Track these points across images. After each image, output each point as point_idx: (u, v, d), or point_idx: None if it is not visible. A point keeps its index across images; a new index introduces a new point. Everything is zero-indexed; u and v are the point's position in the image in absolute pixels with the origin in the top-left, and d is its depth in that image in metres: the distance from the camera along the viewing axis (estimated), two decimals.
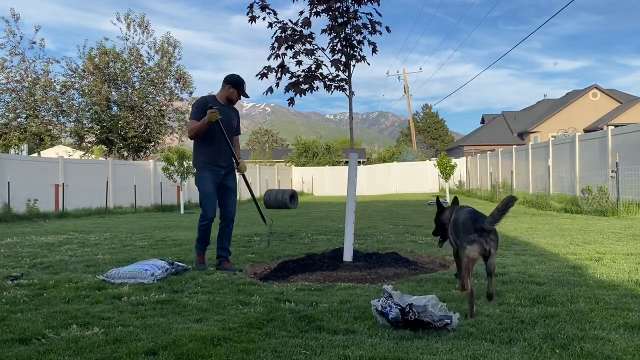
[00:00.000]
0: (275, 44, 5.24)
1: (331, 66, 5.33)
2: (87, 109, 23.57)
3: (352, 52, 5.31)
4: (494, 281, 3.27)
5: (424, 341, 2.58)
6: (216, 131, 4.85)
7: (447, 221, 3.71)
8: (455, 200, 3.90)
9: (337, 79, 5.44)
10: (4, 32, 22.82)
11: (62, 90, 23.29)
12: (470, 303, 3.05)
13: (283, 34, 5.24)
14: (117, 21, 23.86)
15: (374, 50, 5.38)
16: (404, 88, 45.28)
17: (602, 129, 23.77)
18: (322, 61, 5.36)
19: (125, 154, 24.86)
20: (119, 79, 23.81)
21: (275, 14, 5.26)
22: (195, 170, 5.09)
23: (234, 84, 5.06)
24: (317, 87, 5.45)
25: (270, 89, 5.43)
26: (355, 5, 5.27)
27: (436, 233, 3.97)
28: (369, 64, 5.53)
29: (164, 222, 11.78)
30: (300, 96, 5.41)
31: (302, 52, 5.26)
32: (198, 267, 4.95)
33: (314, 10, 5.26)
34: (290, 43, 5.24)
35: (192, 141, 5.11)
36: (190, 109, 5.03)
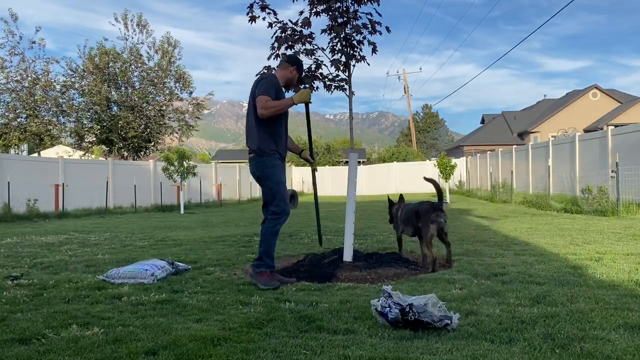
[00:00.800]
0: (275, 44, 5.25)
1: (331, 66, 5.34)
2: (87, 109, 23.60)
3: (352, 52, 5.32)
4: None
5: (424, 341, 2.58)
6: (284, 117, 4.26)
7: (396, 212, 5.09)
8: (401, 197, 5.23)
9: (337, 79, 5.45)
10: (3, 32, 22.87)
11: (62, 90, 23.31)
12: (434, 264, 4.41)
13: (283, 34, 5.24)
14: (115, 22, 23.91)
15: (374, 50, 5.39)
16: (404, 88, 45.33)
17: (602, 129, 23.77)
18: (322, 61, 5.37)
19: (125, 154, 24.87)
20: (119, 78, 23.82)
21: (275, 14, 5.27)
22: (262, 158, 4.18)
23: (299, 66, 4.37)
24: (317, 87, 5.46)
25: None
26: (355, 5, 5.28)
27: (391, 221, 5.25)
28: (368, 64, 5.54)
29: (164, 222, 11.78)
30: None
31: (302, 52, 5.27)
32: (269, 285, 3.93)
33: (314, 10, 5.27)
34: (290, 43, 5.25)
35: (255, 122, 4.16)
36: (264, 84, 4.10)
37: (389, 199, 5.37)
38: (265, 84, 4.12)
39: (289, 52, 5.28)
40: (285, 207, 4.20)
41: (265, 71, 5.29)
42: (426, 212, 4.53)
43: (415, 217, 4.65)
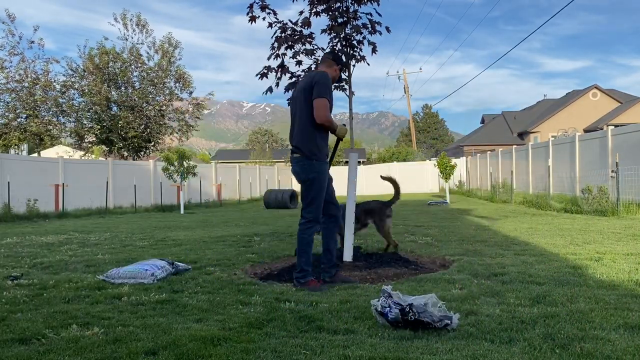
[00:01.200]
0: (275, 44, 5.25)
1: None
2: (87, 109, 23.60)
3: (352, 52, 5.32)
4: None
5: (424, 341, 2.58)
6: None
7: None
8: None
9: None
10: (3, 33, 22.89)
11: (62, 90, 23.31)
12: (396, 247, 5.55)
13: (283, 34, 5.24)
14: (114, 22, 23.90)
15: (374, 50, 5.39)
16: (404, 88, 45.30)
17: (602, 129, 23.77)
18: None
19: (125, 154, 24.87)
20: (119, 78, 23.82)
21: (275, 14, 5.27)
22: (312, 162, 4.06)
23: (342, 66, 4.39)
24: None
25: (270, 89, 5.44)
26: (355, 5, 5.28)
27: None
28: (368, 64, 5.54)
29: (164, 222, 11.78)
30: None
31: (302, 52, 5.27)
32: (315, 290, 3.83)
33: (314, 10, 5.27)
34: (290, 43, 5.25)
35: (310, 123, 4.02)
36: (323, 85, 3.98)
37: None
38: (325, 86, 3.98)
39: (289, 52, 5.28)
40: (319, 215, 4.11)
41: (265, 71, 5.29)
42: (380, 209, 5.47)
43: (369, 214, 5.49)
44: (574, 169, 14.15)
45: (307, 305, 3.34)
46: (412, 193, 29.01)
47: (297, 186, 33.56)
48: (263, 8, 5.24)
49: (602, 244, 5.86)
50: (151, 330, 2.84)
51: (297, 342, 2.59)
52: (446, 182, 19.13)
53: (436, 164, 19.63)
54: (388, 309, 2.82)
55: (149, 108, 24.58)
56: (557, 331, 2.63)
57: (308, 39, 5.30)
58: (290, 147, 4.26)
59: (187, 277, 4.44)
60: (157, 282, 4.24)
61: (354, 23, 5.27)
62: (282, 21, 5.30)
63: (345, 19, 5.25)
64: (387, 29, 5.41)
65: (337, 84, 5.45)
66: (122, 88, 24.20)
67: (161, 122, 25.19)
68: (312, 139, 4.03)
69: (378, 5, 5.32)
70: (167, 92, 25.13)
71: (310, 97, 3.97)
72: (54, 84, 23.16)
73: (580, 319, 2.83)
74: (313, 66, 5.37)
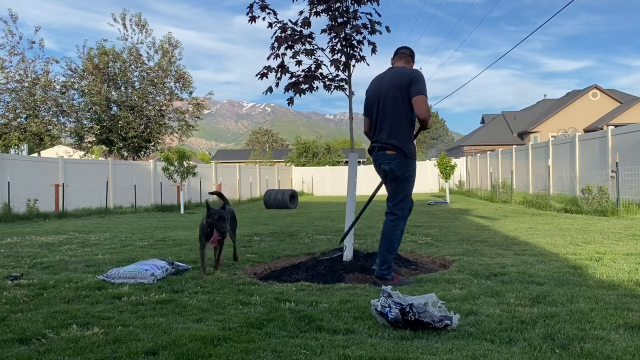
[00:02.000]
0: (275, 44, 5.25)
1: (331, 66, 5.33)
2: (87, 109, 23.58)
3: (352, 52, 5.31)
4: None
5: (424, 341, 2.58)
6: None
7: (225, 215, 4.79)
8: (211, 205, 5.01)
9: (337, 79, 5.44)
10: (3, 33, 22.86)
11: (62, 90, 23.30)
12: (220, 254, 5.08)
13: (283, 34, 5.24)
14: (114, 22, 23.87)
15: (374, 50, 5.39)
16: None
17: (602, 129, 23.76)
18: (322, 61, 5.37)
19: (125, 154, 24.85)
20: (119, 78, 23.81)
21: (275, 14, 5.26)
22: (407, 160, 4.06)
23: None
24: (317, 87, 5.46)
25: (270, 89, 5.44)
26: (355, 5, 5.28)
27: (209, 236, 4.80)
28: (368, 64, 5.54)
29: (164, 222, 11.78)
30: (300, 96, 5.41)
31: (302, 52, 5.27)
32: (403, 283, 3.93)
33: (314, 10, 5.27)
34: (290, 43, 5.24)
35: (406, 119, 4.03)
36: (422, 83, 3.97)
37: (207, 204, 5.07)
38: (424, 83, 3.96)
39: (289, 52, 5.28)
40: (406, 211, 4.16)
41: (265, 71, 5.28)
42: (234, 216, 5.35)
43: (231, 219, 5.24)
44: (574, 169, 14.15)
45: (307, 305, 3.34)
46: (412, 193, 28.96)
47: (297, 186, 33.52)
48: (263, 8, 5.24)
49: (602, 244, 5.86)
50: (151, 330, 2.84)
51: (297, 342, 2.59)
52: (446, 182, 19.13)
53: (436, 164, 19.63)
54: (388, 309, 2.82)
55: (149, 108, 24.56)
56: (557, 331, 2.63)
57: (308, 39, 5.29)
58: (379, 143, 4.19)
59: (187, 277, 4.44)
60: (157, 282, 4.24)
61: (354, 23, 5.27)
62: (282, 21, 5.29)
63: (345, 19, 5.25)
64: (387, 28, 5.41)
65: (337, 84, 5.45)
66: (122, 88, 24.18)
67: (161, 122, 25.16)
68: (409, 137, 4.04)
69: (378, 5, 5.32)
70: (167, 92, 25.11)
71: (406, 94, 3.94)
72: (54, 84, 23.16)
73: (580, 319, 2.83)
74: (313, 66, 5.36)
